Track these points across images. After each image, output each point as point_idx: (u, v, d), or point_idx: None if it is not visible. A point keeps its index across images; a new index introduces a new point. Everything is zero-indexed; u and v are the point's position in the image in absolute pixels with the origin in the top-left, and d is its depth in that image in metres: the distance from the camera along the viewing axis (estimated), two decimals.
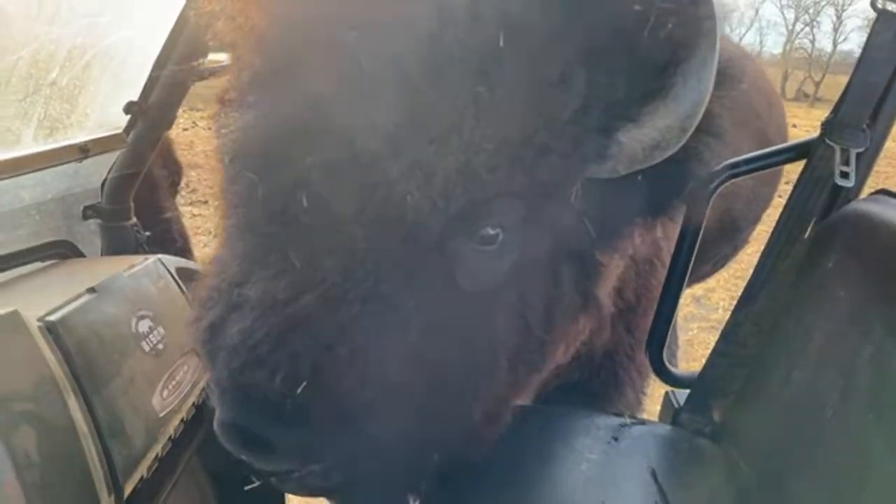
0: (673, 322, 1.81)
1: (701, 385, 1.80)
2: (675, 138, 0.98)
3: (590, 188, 1.01)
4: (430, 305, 0.97)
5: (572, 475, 1.54)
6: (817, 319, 1.44)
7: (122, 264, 1.54)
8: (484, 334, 1.07)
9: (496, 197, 0.95)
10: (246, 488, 1.09)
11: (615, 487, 1.52)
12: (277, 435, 0.90)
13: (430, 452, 1.15)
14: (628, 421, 1.77)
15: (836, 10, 36.61)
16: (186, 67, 1.66)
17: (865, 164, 1.46)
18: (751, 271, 1.74)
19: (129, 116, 1.81)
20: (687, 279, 1.74)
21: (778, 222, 1.65)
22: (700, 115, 0.97)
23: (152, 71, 1.76)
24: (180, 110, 1.90)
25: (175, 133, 3.68)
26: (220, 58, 1.32)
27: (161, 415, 1.39)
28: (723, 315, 5.32)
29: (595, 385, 1.88)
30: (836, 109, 1.46)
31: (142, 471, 1.30)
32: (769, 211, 3.37)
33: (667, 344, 1.82)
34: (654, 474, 1.55)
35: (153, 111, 1.82)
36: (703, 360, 1.83)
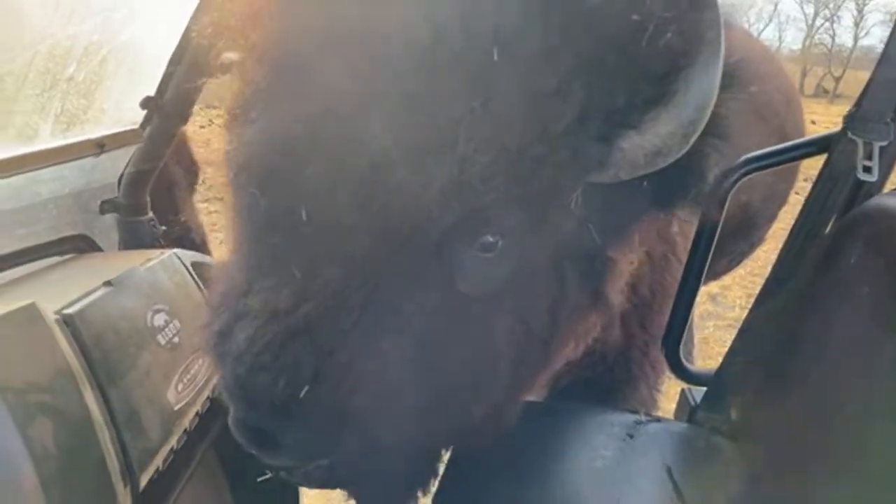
0: (689, 319, 1.78)
1: (718, 382, 1.78)
2: (678, 145, 0.96)
3: (593, 192, 1.00)
4: (431, 309, 0.99)
5: (587, 472, 1.53)
6: (838, 317, 1.41)
7: (139, 258, 1.55)
8: (486, 337, 1.08)
9: (494, 206, 0.95)
10: (259, 479, 1.11)
11: (630, 485, 1.51)
12: (280, 434, 0.96)
13: (432, 449, 1.19)
14: (644, 418, 1.75)
15: (857, 4, 36.08)
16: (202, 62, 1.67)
17: (889, 158, 1.43)
18: (768, 269, 1.71)
19: (145, 112, 1.83)
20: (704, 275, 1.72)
21: (798, 218, 1.62)
22: (704, 122, 0.95)
23: (168, 66, 1.77)
24: (196, 107, 1.91)
25: (191, 130, 3.70)
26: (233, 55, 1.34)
27: (176, 408, 1.40)
28: (739, 313, 5.27)
29: (608, 381, 1.87)
30: (858, 102, 1.43)
31: (157, 463, 1.31)
32: (785, 208, 3.33)
33: (683, 341, 1.80)
34: (669, 472, 1.54)
35: (169, 106, 1.83)
36: (720, 359, 1.80)
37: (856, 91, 1.49)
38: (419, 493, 1.27)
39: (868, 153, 1.40)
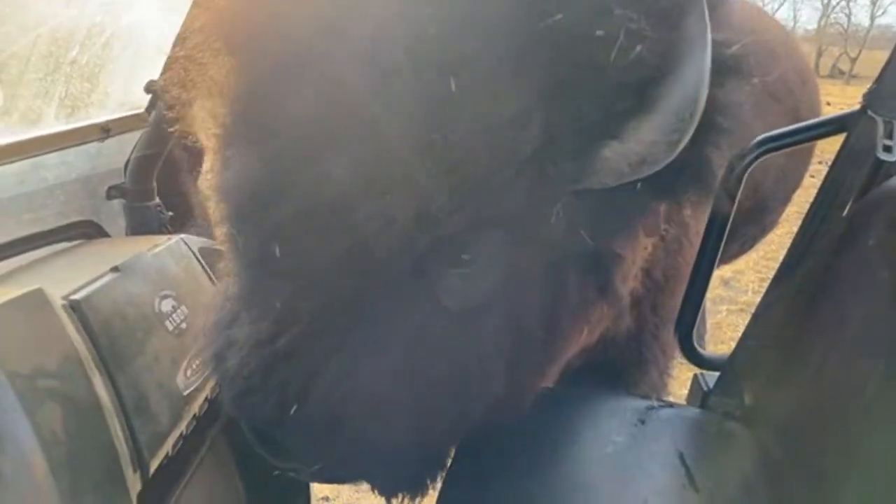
0: (702, 304, 1.76)
1: (731, 367, 1.75)
2: (663, 153, 0.90)
3: (585, 196, 0.97)
4: (417, 324, 1.01)
5: (598, 458, 1.52)
6: (856, 300, 1.38)
7: (146, 244, 1.54)
8: (479, 343, 1.07)
9: (464, 232, 0.95)
10: (275, 473, 1.14)
11: (642, 470, 1.49)
12: (280, 441, 1.06)
13: (434, 448, 1.22)
14: (655, 404, 1.74)
15: None
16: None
17: None
18: (781, 253, 1.68)
19: (149, 96, 1.81)
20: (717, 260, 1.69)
21: (814, 200, 1.58)
22: (692, 128, 0.89)
23: (171, 50, 1.74)
24: None
25: None
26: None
27: (185, 393, 1.40)
28: (752, 298, 5.23)
29: (619, 365, 1.85)
30: (879, 79, 1.39)
31: (167, 448, 1.31)
32: (799, 192, 3.28)
33: (696, 326, 1.78)
34: (682, 457, 1.52)
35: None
36: (732, 344, 1.78)
37: (872, 72, 1.45)
38: (429, 480, 1.27)
39: (888, 132, 1.36)
